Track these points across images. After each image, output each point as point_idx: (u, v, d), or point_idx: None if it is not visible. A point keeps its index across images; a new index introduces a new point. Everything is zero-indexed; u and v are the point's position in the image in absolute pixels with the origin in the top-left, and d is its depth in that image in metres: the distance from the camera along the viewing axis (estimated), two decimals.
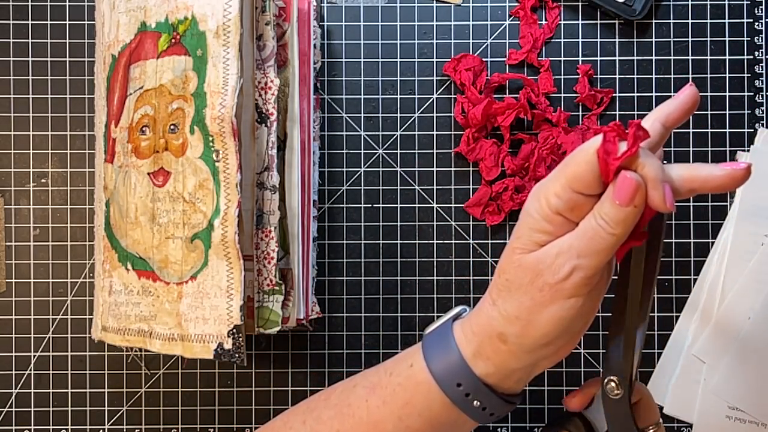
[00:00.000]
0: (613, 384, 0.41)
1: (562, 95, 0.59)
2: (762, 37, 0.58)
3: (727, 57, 0.58)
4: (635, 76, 0.59)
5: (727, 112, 0.58)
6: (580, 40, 0.59)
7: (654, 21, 0.59)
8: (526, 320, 0.37)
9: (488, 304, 0.39)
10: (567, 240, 0.36)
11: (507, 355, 0.38)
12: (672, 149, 0.58)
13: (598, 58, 0.59)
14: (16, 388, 0.59)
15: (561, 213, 0.36)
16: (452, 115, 0.58)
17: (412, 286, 0.58)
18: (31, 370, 0.59)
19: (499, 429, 0.58)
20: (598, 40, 0.59)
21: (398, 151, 0.59)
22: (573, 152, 0.35)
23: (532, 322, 0.37)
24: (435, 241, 0.58)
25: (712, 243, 0.58)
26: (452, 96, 0.59)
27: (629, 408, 0.41)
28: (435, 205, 0.59)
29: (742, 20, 0.58)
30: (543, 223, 0.36)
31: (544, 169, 0.57)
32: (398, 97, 0.59)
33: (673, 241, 0.58)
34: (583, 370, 0.58)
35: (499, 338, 0.38)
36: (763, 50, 0.58)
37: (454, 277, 0.58)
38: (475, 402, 0.39)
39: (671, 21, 0.59)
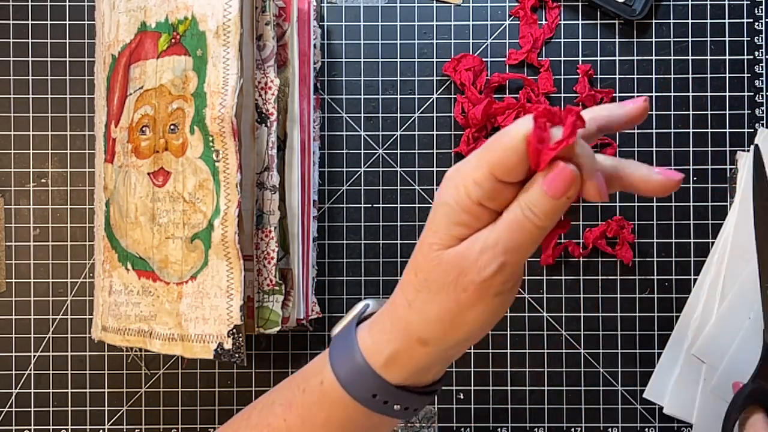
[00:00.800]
0: None
1: (562, 95, 0.59)
2: (762, 37, 0.58)
3: (727, 57, 0.58)
4: (635, 76, 0.59)
5: (727, 112, 0.58)
6: (580, 40, 0.59)
7: (654, 21, 0.59)
8: (450, 323, 0.34)
9: (403, 307, 0.36)
10: (491, 235, 0.33)
11: (425, 357, 0.36)
12: (672, 149, 0.58)
13: (598, 58, 0.59)
14: (16, 388, 0.59)
15: (482, 203, 0.33)
16: (452, 115, 0.58)
17: None
18: (31, 370, 0.59)
19: (499, 429, 0.58)
20: (598, 40, 0.59)
21: (398, 151, 0.59)
22: (495, 136, 0.32)
23: (456, 324, 0.34)
24: None
25: (712, 243, 0.58)
26: (452, 96, 0.59)
27: None
28: None
29: (742, 20, 0.58)
30: (462, 214, 0.33)
31: None
32: (398, 97, 0.59)
33: (673, 241, 0.58)
34: (582, 370, 0.58)
35: (419, 342, 0.35)
36: (763, 50, 0.58)
37: None
38: (395, 406, 0.38)
39: (671, 21, 0.59)
